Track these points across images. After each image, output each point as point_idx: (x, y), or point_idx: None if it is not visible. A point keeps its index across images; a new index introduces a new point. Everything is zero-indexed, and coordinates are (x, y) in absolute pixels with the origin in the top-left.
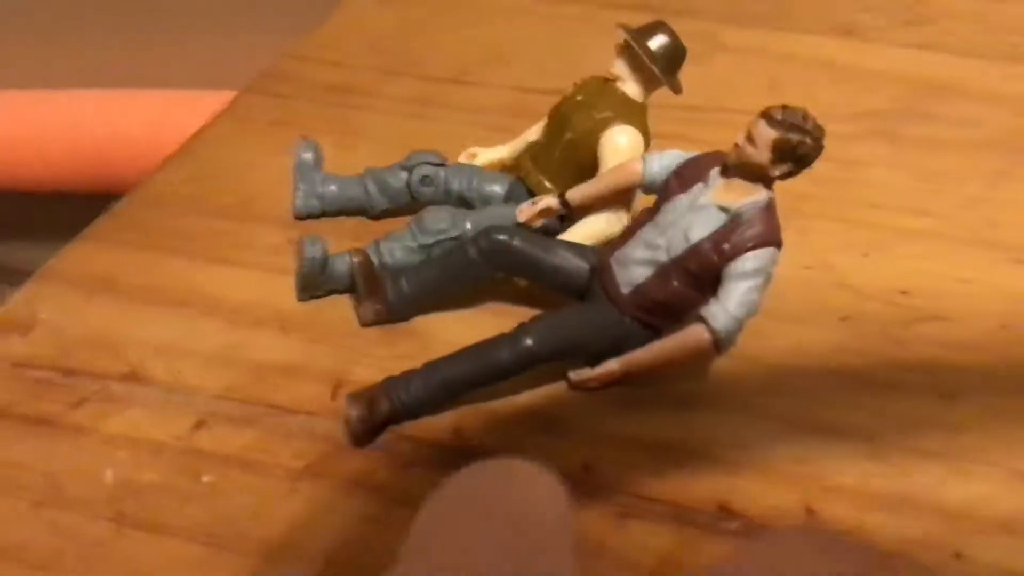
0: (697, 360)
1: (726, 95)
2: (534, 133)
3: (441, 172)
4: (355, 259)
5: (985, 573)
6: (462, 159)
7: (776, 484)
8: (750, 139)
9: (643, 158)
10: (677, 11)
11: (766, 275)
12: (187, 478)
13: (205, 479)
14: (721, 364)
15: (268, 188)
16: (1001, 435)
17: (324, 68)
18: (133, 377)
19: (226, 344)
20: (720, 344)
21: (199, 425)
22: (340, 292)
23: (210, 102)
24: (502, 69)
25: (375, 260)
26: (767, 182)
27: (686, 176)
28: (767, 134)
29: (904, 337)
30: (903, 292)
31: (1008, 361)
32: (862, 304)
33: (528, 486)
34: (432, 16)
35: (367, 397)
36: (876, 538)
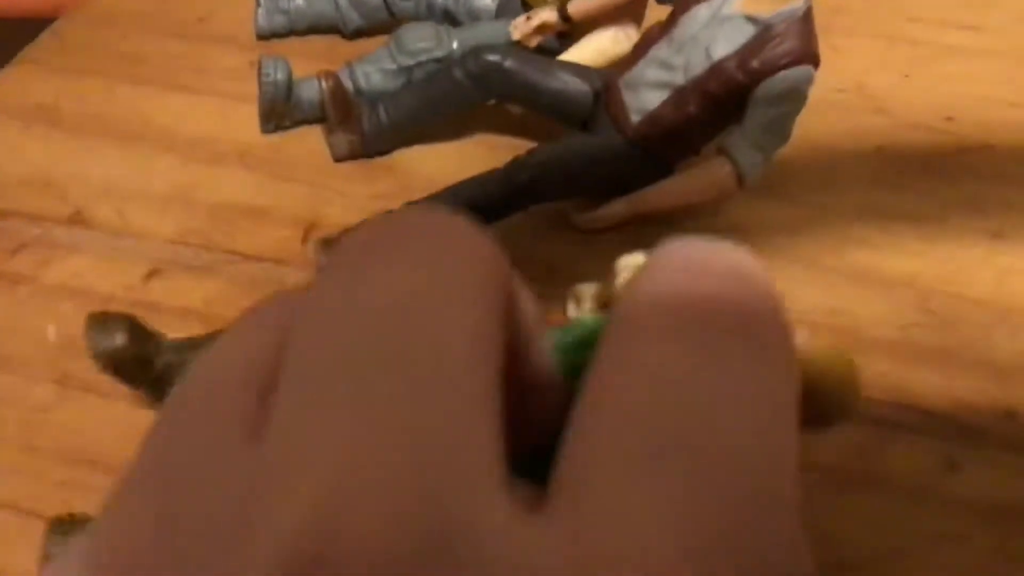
0: (717, 198)
1: None
2: None
3: None
4: (325, 83)
5: None
6: None
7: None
8: None
9: None
10: None
11: (800, 99)
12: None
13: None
14: (742, 198)
15: (226, 4)
16: None
17: None
18: (77, 220)
19: (181, 183)
20: (744, 180)
21: (152, 274)
22: (309, 123)
23: None
24: None
25: (349, 85)
26: None
27: None
28: None
29: (948, 168)
30: (948, 118)
31: None
32: (902, 132)
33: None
34: None
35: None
36: (920, 396)
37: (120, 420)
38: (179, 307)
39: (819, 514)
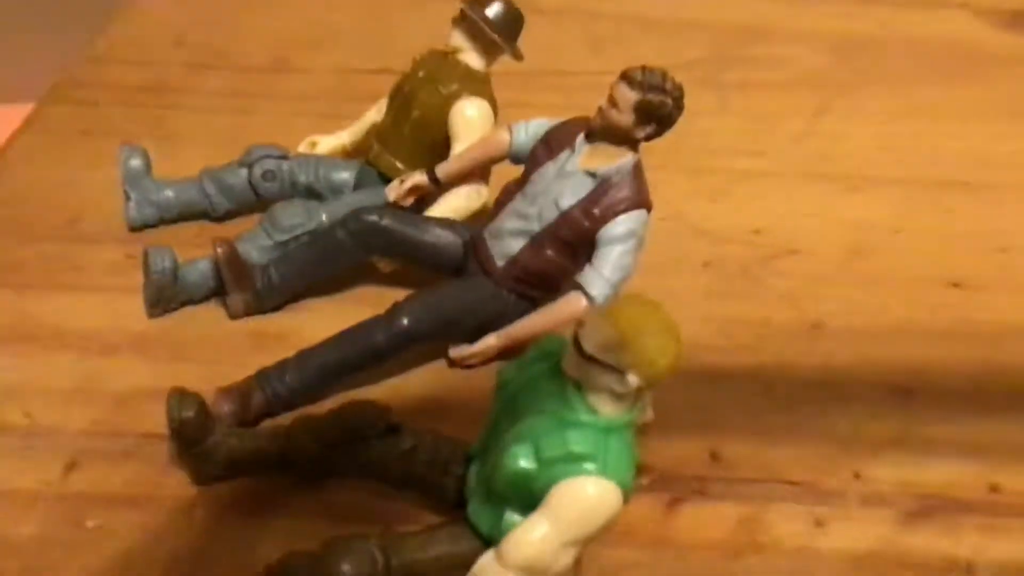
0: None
1: (551, 58)
2: (374, 114)
3: (284, 165)
4: (220, 249)
5: None
6: (302, 149)
7: (680, 434)
8: (613, 103)
9: (510, 128)
10: None
11: (639, 237)
12: (70, 526)
13: (90, 524)
14: None
15: (94, 203)
16: (869, 359)
17: (127, 68)
18: None
19: (81, 376)
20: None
21: (70, 467)
22: (195, 303)
23: None
24: (320, 53)
25: None
26: (633, 144)
27: (552, 143)
28: (629, 97)
29: (763, 274)
30: (756, 232)
31: (863, 283)
32: (721, 248)
33: None
34: (234, 4)
35: (239, 391)
36: (778, 470)
37: None
38: (102, 494)
39: None
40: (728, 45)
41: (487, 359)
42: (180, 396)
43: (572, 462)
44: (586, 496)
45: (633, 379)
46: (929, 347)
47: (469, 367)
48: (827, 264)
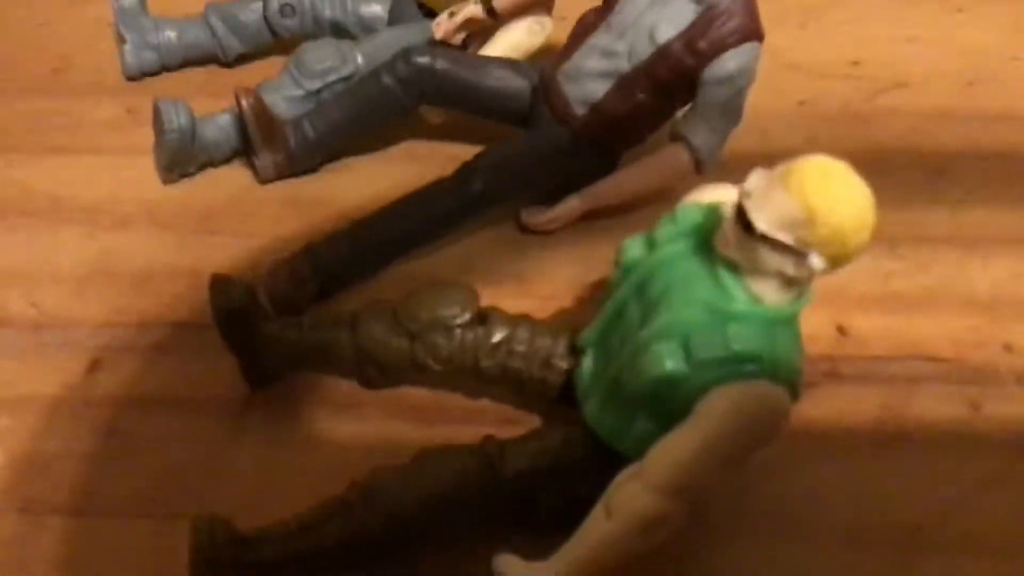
0: (674, 185)
1: None
2: None
3: None
4: (244, 100)
5: None
6: None
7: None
8: None
9: None
10: None
11: (751, 75)
12: (101, 437)
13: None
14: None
15: (80, 48)
16: (1003, 200)
17: None
18: None
19: (93, 256)
20: (702, 165)
21: (95, 366)
22: (215, 164)
23: None
24: None
25: None
26: None
27: None
28: None
29: (870, 113)
30: (854, 63)
31: (984, 119)
32: (817, 83)
33: None
34: None
35: (288, 270)
36: (918, 345)
37: (99, 538)
38: (136, 397)
39: (865, 478)
40: None
41: (568, 221)
42: (224, 282)
43: (734, 363)
44: (753, 404)
45: (817, 261)
46: None
47: (547, 232)
48: (942, 98)
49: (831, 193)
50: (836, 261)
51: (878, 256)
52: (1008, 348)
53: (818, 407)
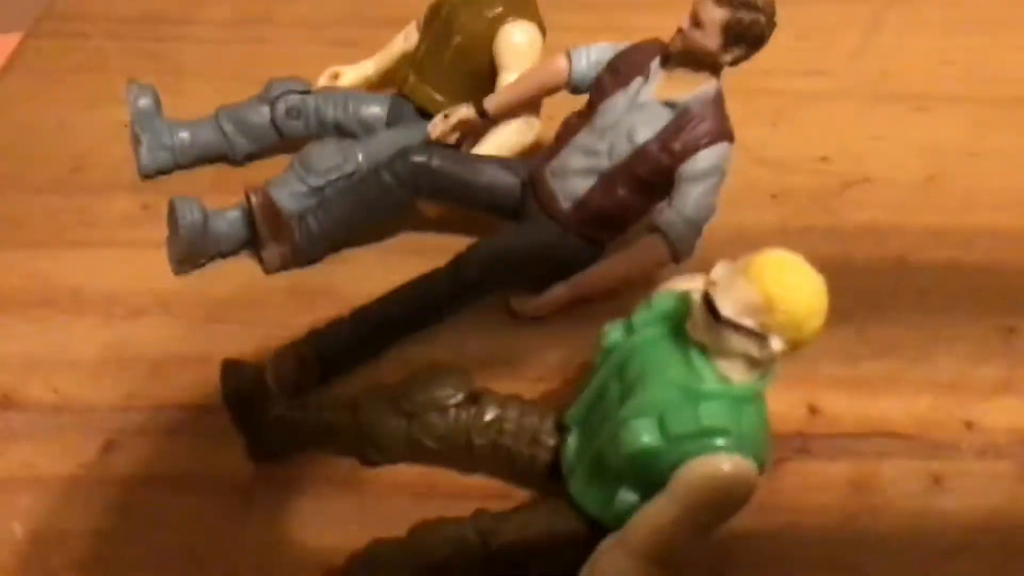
0: (652, 274)
1: None
2: (402, 42)
3: (310, 100)
4: (254, 197)
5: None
6: (323, 82)
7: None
8: (696, 22)
9: (568, 54)
10: None
11: (722, 173)
12: (115, 514)
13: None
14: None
15: (97, 148)
16: (963, 287)
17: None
18: (8, 403)
19: (108, 344)
20: (678, 255)
21: (109, 447)
22: (224, 256)
23: None
24: None
25: None
26: (715, 70)
27: (622, 71)
28: (716, 15)
29: (838, 205)
30: (823, 159)
31: (944, 211)
32: (787, 178)
33: None
34: None
35: (292, 355)
36: (885, 423)
37: None
38: (147, 476)
39: (835, 548)
40: None
41: (555, 309)
42: (234, 367)
43: (704, 437)
44: (722, 475)
45: (777, 344)
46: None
47: (536, 319)
48: (905, 191)
49: (787, 283)
50: (794, 344)
51: (846, 340)
52: (968, 425)
53: (790, 481)
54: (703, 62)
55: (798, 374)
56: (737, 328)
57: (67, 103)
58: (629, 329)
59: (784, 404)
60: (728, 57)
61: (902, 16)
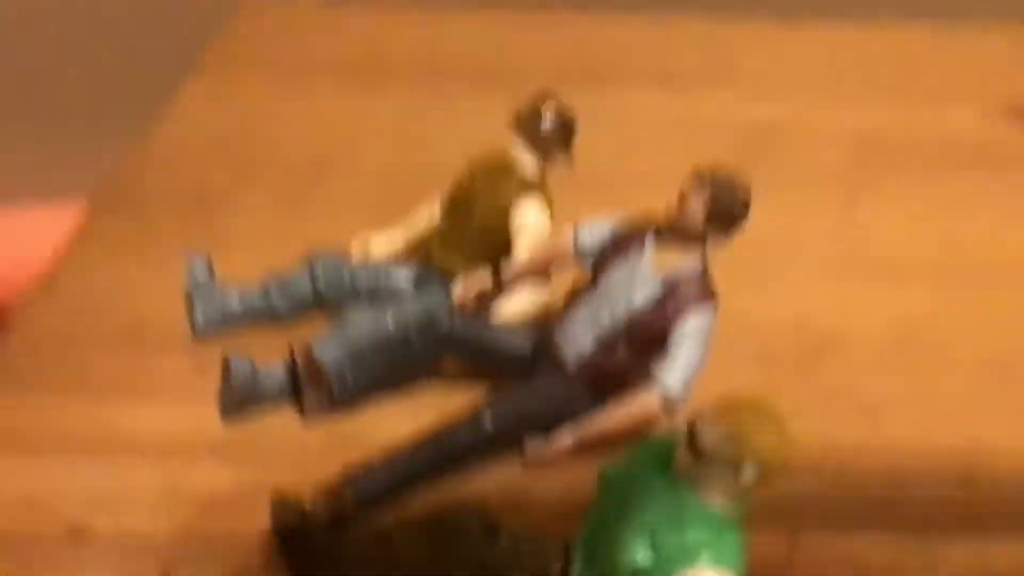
0: (650, 420)
1: (585, 158)
2: (426, 217)
3: (346, 270)
4: (298, 354)
5: None
6: (356, 251)
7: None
8: (683, 204)
9: (573, 229)
10: (508, 79)
11: (708, 333)
12: None
13: None
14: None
15: (155, 309)
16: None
17: (172, 174)
18: (76, 537)
19: (165, 483)
20: (670, 407)
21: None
22: (268, 405)
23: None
24: (358, 155)
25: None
26: (701, 243)
27: (621, 244)
28: (699, 198)
29: (813, 363)
30: (802, 322)
31: (910, 371)
32: (768, 339)
33: None
34: (270, 106)
35: (331, 493)
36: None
37: None
38: None
39: None
40: (755, 141)
41: (562, 456)
42: (282, 503)
43: (689, 553)
44: None
45: (749, 472)
46: (986, 430)
47: (544, 465)
48: (875, 352)
49: (755, 421)
50: (765, 473)
51: (822, 485)
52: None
53: None
54: (690, 237)
55: (778, 517)
56: (714, 460)
57: (128, 270)
58: (628, 465)
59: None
60: (711, 233)
61: (874, 197)
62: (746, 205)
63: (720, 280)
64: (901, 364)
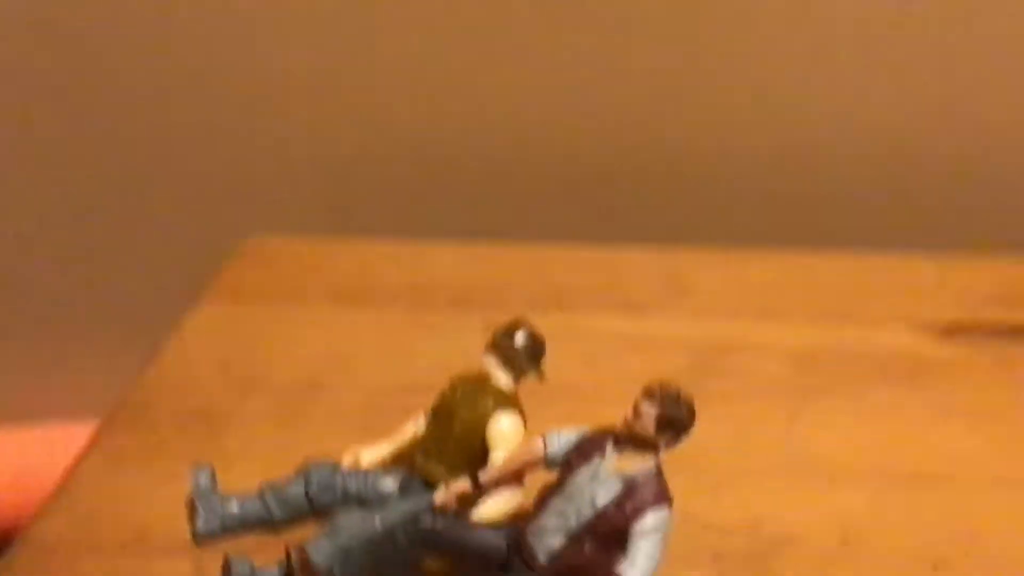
0: None
1: (551, 372)
2: (412, 429)
3: (337, 478)
4: (293, 554)
5: None
6: (347, 461)
7: None
8: (636, 415)
9: (544, 438)
10: (484, 303)
11: (665, 530)
12: None
13: None
14: None
15: (159, 519)
16: None
17: (179, 395)
18: None
19: None
20: None
21: None
22: None
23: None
24: (348, 375)
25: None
26: (655, 449)
27: (585, 450)
28: (650, 410)
29: (769, 563)
30: (756, 524)
31: (856, 569)
32: (726, 540)
33: None
34: (269, 331)
35: None
36: None
37: None
38: None
39: None
40: (706, 358)
41: None
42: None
43: None
44: None
45: None
46: None
47: None
48: (822, 550)
49: None
50: None
51: None
52: None
53: None
54: (645, 443)
55: None
56: None
57: (138, 482)
58: None
59: None
60: (662, 440)
61: (815, 410)
62: (692, 414)
63: (675, 485)
64: (846, 559)
